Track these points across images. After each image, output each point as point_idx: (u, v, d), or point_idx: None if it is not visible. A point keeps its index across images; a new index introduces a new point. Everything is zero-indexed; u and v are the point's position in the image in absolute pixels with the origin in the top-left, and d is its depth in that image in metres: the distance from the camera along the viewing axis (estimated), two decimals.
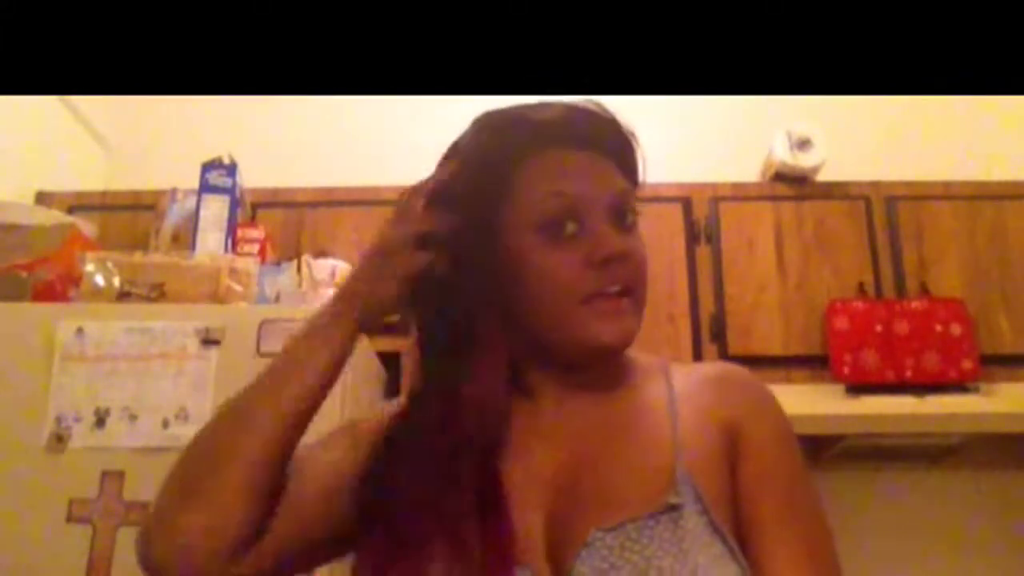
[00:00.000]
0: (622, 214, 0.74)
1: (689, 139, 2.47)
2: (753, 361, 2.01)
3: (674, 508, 0.66)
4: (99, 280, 1.65)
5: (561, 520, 0.68)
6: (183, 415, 1.47)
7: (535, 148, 0.74)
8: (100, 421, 1.48)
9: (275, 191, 2.23)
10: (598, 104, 0.78)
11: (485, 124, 0.77)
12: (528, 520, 0.69)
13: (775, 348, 2.08)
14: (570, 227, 0.71)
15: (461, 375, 0.72)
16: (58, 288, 1.69)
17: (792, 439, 0.74)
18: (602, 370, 0.75)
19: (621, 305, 0.71)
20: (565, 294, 0.70)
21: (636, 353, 0.80)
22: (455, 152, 0.77)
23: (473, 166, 0.75)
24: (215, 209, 1.94)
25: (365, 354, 1.61)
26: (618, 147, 0.77)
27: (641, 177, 0.79)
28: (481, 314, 0.73)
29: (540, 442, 0.73)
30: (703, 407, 0.73)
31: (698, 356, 2.04)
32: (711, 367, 0.80)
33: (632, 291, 0.72)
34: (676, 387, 0.76)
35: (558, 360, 0.74)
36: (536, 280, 0.71)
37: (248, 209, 2.11)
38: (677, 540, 0.64)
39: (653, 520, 0.65)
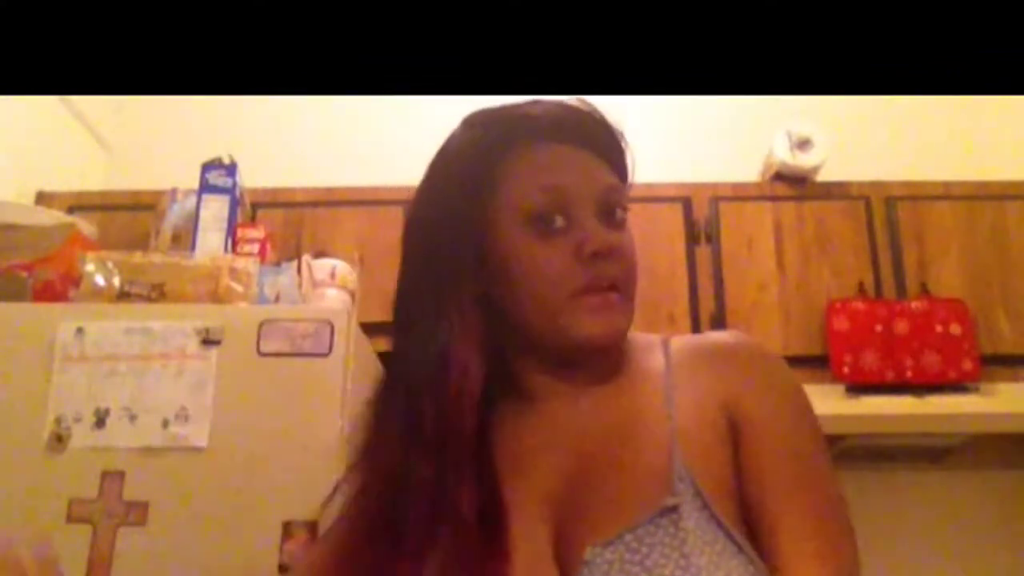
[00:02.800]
0: (611, 210, 0.72)
1: (689, 139, 2.48)
2: None
3: (672, 509, 0.63)
4: (99, 280, 1.64)
5: (565, 536, 0.67)
6: (183, 415, 1.46)
7: (522, 142, 0.73)
8: (100, 421, 1.48)
9: (275, 191, 2.23)
10: (588, 103, 0.77)
11: (473, 120, 0.77)
12: (535, 536, 0.67)
13: (775, 348, 2.05)
14: (559, 221, 0.70)
15: (434, 356, 0.71)
16: (58, 288, 1.69)
17: (800, 409, 0.71)
18: (597, 363, 0.73)
19: (610, 300, 0.70)
20: (554, 288, 0.69)
21: (634, 333, 0.78)
22: (443, 153, 0.76)
23: (460, 159, 0.74)
24: (215, 209, 1.94)
25: (365, 355, 1.61)
26: (607, 145, 0.76)
27: (631, 177, 0.78)
28: (455, 299, 0.71)
29: (541, 453, 0.72)
30: (702, 387, 0.71)
31: None
32: (710, 340, 0.77)
33: (621, 287, 0.71)
34: (675, 364, 0.73)
35: (550, 356, 0.73)
36: (524, 274, 0.70)
37: (248, 209, 2.10)
38: (678, 544, 0.62)
39: (652, 525, 0.63)
